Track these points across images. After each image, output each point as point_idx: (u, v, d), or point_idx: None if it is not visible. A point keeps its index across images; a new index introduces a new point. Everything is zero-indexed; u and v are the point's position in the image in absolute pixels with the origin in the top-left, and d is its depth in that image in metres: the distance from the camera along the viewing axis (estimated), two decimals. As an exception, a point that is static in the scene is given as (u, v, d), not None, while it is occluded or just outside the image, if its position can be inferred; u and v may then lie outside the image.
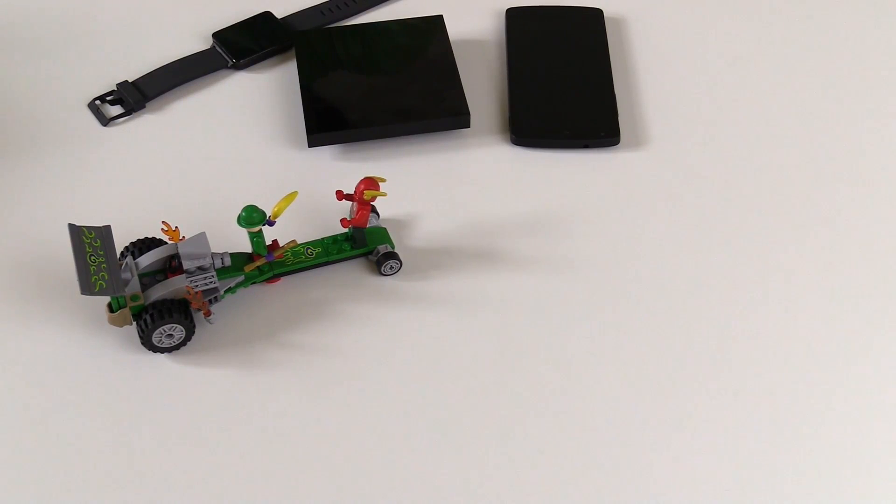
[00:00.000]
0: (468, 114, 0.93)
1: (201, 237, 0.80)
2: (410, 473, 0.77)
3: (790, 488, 0.76)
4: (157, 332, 0.79)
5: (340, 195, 0.83)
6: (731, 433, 0.79)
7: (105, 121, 0.95)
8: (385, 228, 0.87)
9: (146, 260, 0.80)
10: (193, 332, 0.81)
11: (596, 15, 1.03)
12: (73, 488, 0.76)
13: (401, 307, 0.85)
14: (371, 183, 0.82)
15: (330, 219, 0.90)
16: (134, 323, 0.81)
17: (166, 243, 0.82)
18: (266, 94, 0.98)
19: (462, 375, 0.81)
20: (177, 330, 0.80)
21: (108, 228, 0.80)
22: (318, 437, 0.78)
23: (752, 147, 0.95)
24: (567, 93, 0.97)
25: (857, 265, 0.87)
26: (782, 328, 0.84)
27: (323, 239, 0.86)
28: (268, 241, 0.87)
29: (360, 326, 0.83)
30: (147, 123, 0.96)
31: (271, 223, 0.81)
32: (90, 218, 0.89)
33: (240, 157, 0.93)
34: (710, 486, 0.76)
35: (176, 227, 0.81)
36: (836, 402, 0.80)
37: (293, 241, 0.82)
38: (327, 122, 0.93)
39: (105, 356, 0.81)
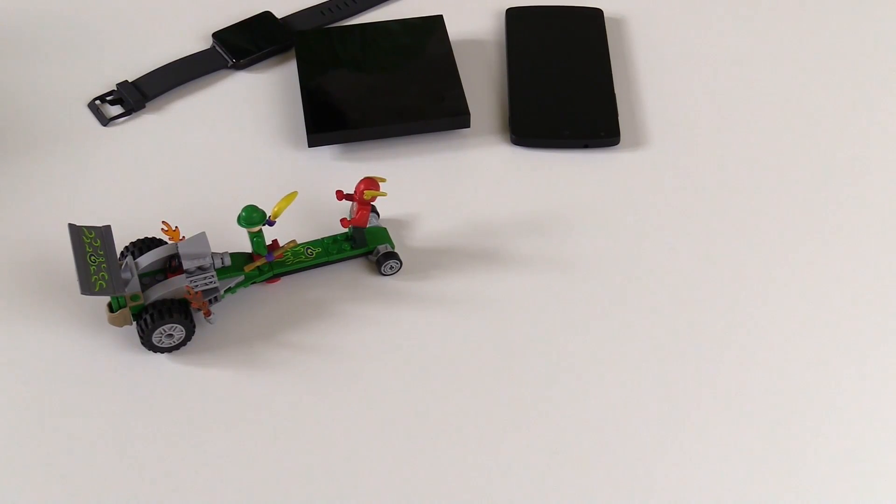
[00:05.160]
0: (468, 114, 0.93)
1: (201, 237, 0.80)
2: (411, 473, 0.77)
3: (791, 488, 0.76)
4: (157, 331, 0.79)
5: (340, 195, 0.83)
6: (733, 433, 0.78)
7: (105, 121, 0.95)
8: (385, 228, 0.87)
9: (146, 260, 0.80)
10: (193, 332, 0.81)
11: (596, 15, 1.02)
12: (73, 488, 0.76)
13: (401, 307, 0.84)
14: (371, 183, 0.82)
15: (330, 219, 0.90)
16: (134, 323, 0.81)
17: (166, 243, 0.82)
18: (266, 94, 0.98)
19: (462, 375, 0.81)
20: (177, 330, 0.80)
21: (108, 228, 0.80)
22: (319, 436, 0.78)
23: (752, 147, 0.95)
24: (567, 93, 0.97)
25: (859, 265, 0.87)
26: (783, 327, 0.84)
27: (323, 239, 0.86)
28: (268, 241, 0.87)
29: (359, 326, 0.83)
30: (147, 123, 0.96)
31: (271, 223, 0.81)
32: (90, 218, 0.89)
33: (240, 157, 0.93)
34: (712, 485, 0.76)
35: (176, 227, 0.81)
36: (838, 402, 0.80)
37: (293, 241, 0.82)
38: (327, 121, 0.93)
39: (105, 356, 0.81)
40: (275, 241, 0.84)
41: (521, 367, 0.82)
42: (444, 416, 0.79)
